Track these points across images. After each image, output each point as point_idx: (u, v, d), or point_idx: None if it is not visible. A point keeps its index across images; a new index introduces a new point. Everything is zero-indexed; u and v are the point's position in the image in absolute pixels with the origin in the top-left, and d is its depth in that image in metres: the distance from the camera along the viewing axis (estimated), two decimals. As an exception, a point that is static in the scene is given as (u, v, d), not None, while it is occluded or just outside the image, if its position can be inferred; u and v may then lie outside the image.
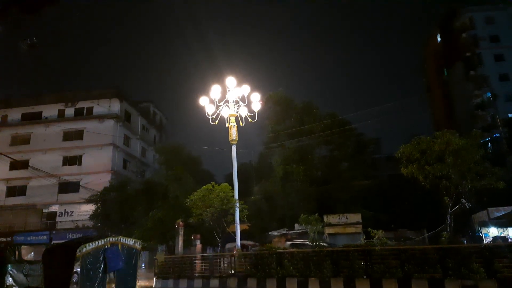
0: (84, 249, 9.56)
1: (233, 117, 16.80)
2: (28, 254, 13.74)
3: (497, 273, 10.65)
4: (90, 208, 28.24)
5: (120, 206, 25.64)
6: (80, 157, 34.97)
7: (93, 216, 27.18)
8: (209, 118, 16.94)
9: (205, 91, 17.24)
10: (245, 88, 16.74)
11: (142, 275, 17.22)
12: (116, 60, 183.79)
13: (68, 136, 35.65)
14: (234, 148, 16.92)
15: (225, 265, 15.71)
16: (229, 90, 16.85)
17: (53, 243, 24.21)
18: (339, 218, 21.40)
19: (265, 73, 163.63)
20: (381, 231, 13.99)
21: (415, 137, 15.96)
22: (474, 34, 38.12)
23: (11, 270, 12.43)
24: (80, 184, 32.30)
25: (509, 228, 18.80)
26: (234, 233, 16.50)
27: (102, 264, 9.87)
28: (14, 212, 33.19)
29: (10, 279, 12.37)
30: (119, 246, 10.52)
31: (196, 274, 15.74)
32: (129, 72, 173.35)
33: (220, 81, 17.25)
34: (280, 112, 27.85)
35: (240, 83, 16.88)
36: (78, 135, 35.55)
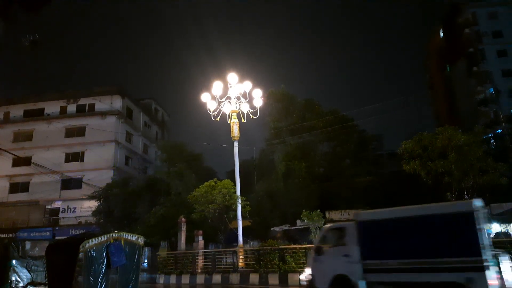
0: (87, 245, 9.60)
1: (235, 114, 16.82)
2: (32, 250, 13.83)
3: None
4: (93, 204, 28.35)
5: (122, 202, 25.73)
6: (82, 153, 35.06)
7: (95, 213, 27.30)
8: (211, 115, 16.95)
9: (207, 87, 17.24)
10: (247, 85, 16.75)
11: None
12: (118, 57, 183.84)
13: (70, 132, 35.73)
14: (236, 144, 16.95)
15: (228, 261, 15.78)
16: (230, 87, 16.86)
17: (56, 239, 24.35)
18: (341, 215, 21.44)
19: (267, 69, 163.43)
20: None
21: (417, 133, 15.96)
22: (477, 29, 37.85)
23: (15, 266, 12.52)
24: (83, 180, 32.40)
25: (511, 224, 18.79)
26: (236, 229, 16.56)
27: (105, 259, 9.92)
28: (17, 208, 33.38)
29: (14, 274, 12.46)
30: (122, 242, 10.56)
31: (199, 270, 15.82)
32: (131, 69, 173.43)
33: (222, 77, 17.25)
34: (282, 108, 27.81)
35: (241, 79, 16.89)
36: (80, 131, 35.63)
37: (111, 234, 10.47)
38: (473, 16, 38.52)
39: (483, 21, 38.09)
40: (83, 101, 36.99)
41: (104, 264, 9.90)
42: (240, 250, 15.73)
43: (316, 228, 17.81)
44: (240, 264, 15.26)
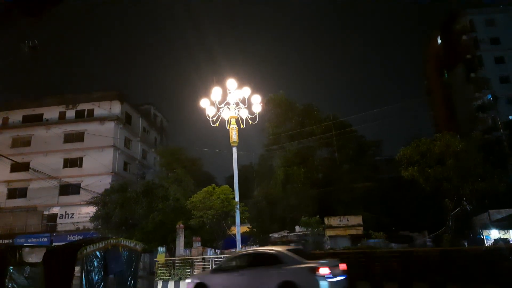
0: (85, 251, 9.55)
1: (234, 119, 16.80)
2: (29, 256, 13.70)
3: (499, 276, 10.61)
4: (91, 210, 28.17)
5: (121, 208, 25.59)
6: (81, 159, 34.99)
7: (94, 218, 27.11)
8: (209, 120, 16.95)
9: (206, 93, 17.27)
10: (246, 90, 16.76)
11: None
12: (117, 63, 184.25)
13: (69, 138, 35.67)
14: (234, 150, 16.91)
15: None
16: (229, 92, 16.87)
17: (54, 245, 24.15)
18: (340, 220, 21.41)
19: (266, 75, 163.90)
20: (382, 233, 14.00)
21: (415, 140, 15.99)
22: (475, 36, 38.13)
23: (12, 273, 12.40)
24: (81, 186, 32.28)
25: (510, 230, 18.75)
26: (235, 235, 16.49)
27: (103, 266, 9.86)
28: (15, 214, 33.19)
29: (11, 281, 12.33)
30: (120, 248, 10.51)
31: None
32: (130, 75, 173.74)
33: (221, 83, 17.28)
34: (281, 114, 27.87)
35: (240, 85, 16.91)
36: (79, 137, 35.56)
37: (109, 240, 10.42)
38: (470, 23, 38.82)
39: (481, 28, 38.38)
40: (82, 106, 36.98)
41: (102, 270, 9.84)
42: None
43: (315, 234, 17.76)
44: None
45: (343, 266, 9.25)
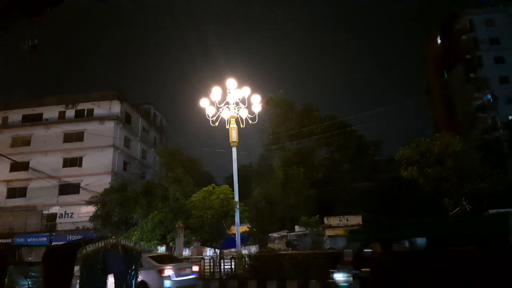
0: (85, 251, 9.54)
1: (234, 119, 16.83)
2: (28, 256, 13.70)
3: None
4: (91, 209, 28.17)
5: (120, 207, 25.59)
6: (81, 158, 34.98)
7: (93, 218, 27.12)
8: (209, 120, 16.98)
9: (205, 93, 17.29)
10: (246, 90, 16.80)
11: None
12: (116, 63, 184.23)
13: (69, 137, 35.65)
14: (234, 149, 16.95)
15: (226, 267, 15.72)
16: (229, 92, 16.91)
17: (53, 245, 24.13)
18: (339, 220, 21.45)
19: (266, 75, 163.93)
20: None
21: (414, 140, 16.01)
22: (474, 36, 38.13)
23: (11, 272, 12.39)
24: (81, 185, 32.27)
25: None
26: (235, 234, 16.52)
27: (102, 266, 9.86)
28: (14, 214, 33.18)
29: (11, 281, 12.33)
30: (119, 248, 10.50)
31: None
32: (130, 75, 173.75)
33: (221, 83, 17.31)
34: (280, 114, 27.89)
35: (240, 85, 16.94)
36: (78, 136, 35.55)
37: (108, 240, 10.41)
38: (470, 23, 38.83)
39: (480, 28, 38.38)
40: (81, 106, 36.98)
41: (101, 270, 9.83)
42: (238, 256, 15.68)
43: (315, 233, 17.77)
44: (238, 270, 15.21)
45: (195, 268, 11.48)
